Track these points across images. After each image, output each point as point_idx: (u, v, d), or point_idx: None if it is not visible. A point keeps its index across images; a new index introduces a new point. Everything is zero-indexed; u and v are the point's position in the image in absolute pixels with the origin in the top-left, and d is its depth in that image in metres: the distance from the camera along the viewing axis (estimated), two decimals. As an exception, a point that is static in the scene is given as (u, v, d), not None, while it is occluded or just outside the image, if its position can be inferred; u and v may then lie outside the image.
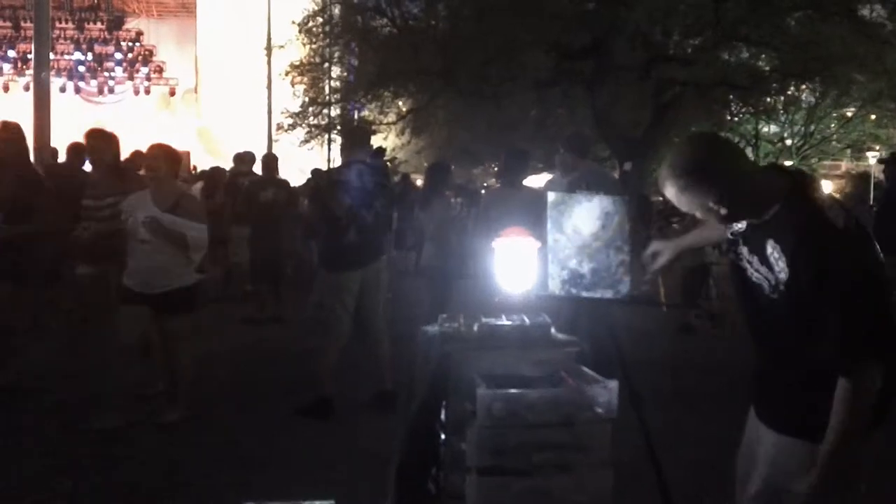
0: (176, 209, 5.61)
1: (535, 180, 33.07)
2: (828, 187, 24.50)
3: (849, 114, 29.49)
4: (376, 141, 32.45)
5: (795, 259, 2.46)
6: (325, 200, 6.18)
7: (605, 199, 3.46)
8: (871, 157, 28.99)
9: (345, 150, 6.54)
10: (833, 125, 30.42)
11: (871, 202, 15.68)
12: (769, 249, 2.53)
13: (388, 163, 30.33)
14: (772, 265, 2.53)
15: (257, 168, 11.17)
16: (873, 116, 29.24)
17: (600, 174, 7.20)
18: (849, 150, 32.75)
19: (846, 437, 2.39)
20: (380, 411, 5.98)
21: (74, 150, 8.53)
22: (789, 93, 20.64)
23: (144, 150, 6.42)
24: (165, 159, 5.78)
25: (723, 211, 2.53)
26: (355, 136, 6.79)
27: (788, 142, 29.66)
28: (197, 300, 6.04)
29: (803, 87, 20.79)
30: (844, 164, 35.47)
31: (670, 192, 2.60)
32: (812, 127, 29.07)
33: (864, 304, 2.39)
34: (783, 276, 2.49)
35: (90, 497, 4.56)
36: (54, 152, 12.64)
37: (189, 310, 5.85)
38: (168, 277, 5.62)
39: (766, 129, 28.69)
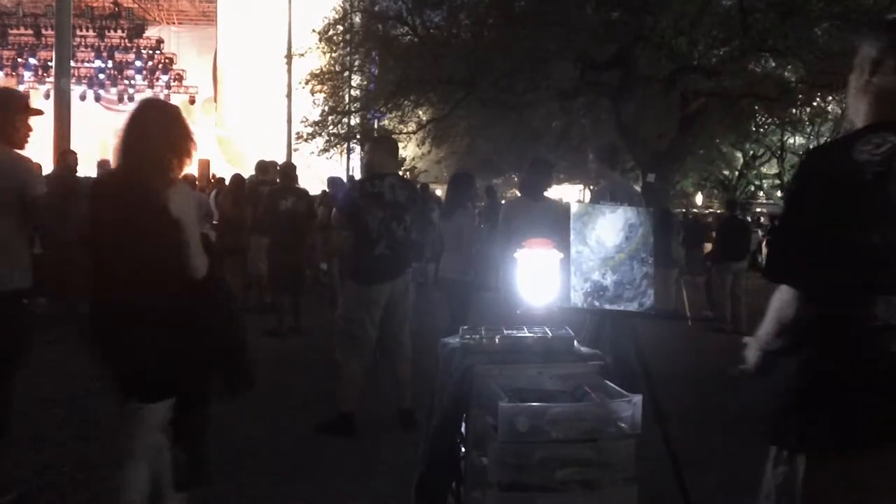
0: None
1: (557, 191, 33.00)
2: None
3: (874, 126, 29.24)
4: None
5: None
6: (359, 212, 5.93)
7: (630, 210, 3.41)
8: (897, 170, 28.61)
9: (373, 161, 6.29)
10: (859, 137, 30.19)
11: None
12: None
13: (408, 172, 30.15)
14: None
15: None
16: (899, 128, 28.89)
17: (624, 187, 7.10)
18: (873, 163, 32.50)
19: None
20: (401, 428, 5.92)
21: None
22: (815, 104, 20.44)
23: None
24: None
25: None
26: (389, 146, 6.51)
27: (814, 153, 29.43)
28: None
29: (830, 98, 20.58)
30: (869, 177, 35.20)
31: None
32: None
33: None
34: None
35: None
36: (75, 159, 12.80)
37: None
38: None
39: (791, 141, 28.46)
